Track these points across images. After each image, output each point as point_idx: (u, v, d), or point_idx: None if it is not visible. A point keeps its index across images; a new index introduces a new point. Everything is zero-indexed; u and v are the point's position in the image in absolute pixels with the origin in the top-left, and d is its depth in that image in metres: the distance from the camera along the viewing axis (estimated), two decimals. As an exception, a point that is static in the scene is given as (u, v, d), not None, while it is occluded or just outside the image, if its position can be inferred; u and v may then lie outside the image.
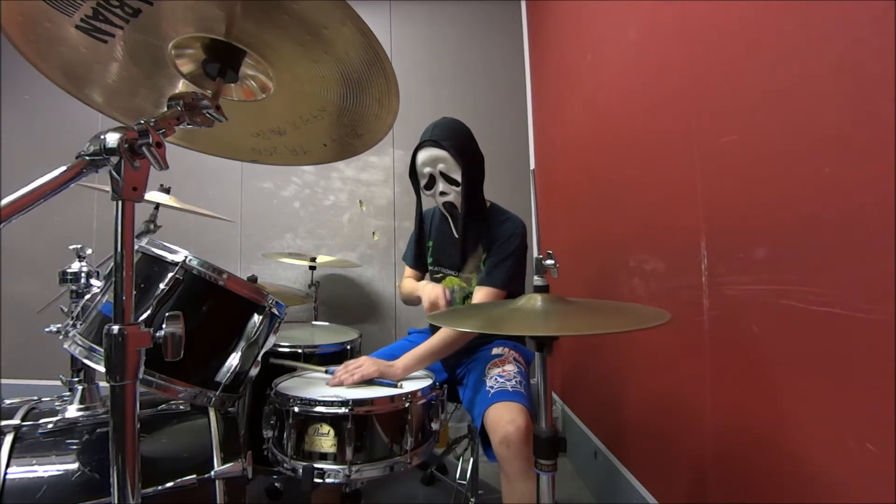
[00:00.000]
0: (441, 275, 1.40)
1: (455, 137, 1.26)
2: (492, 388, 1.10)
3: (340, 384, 1.08)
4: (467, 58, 2.50)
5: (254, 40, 0.65)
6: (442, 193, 1.28)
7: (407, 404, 0.98)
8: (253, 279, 1.09)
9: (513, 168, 2.43)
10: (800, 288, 0.72)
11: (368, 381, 1.10)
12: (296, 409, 0.95)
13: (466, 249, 1.30)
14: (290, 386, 1.08)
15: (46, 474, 0.76)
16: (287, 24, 0.60)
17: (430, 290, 1.23)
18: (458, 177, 1.25)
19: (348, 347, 1.52)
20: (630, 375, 1.38)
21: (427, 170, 1.27)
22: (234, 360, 0.89)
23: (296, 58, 0.67)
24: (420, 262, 1.49)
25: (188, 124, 0.62)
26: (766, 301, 0.79)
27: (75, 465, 0.79)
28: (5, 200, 0.46)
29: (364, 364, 1.11)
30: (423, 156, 1.26)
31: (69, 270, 0.99)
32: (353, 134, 0.82)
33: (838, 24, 0.64)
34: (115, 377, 0.51)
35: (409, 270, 1.54)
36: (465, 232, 1.28)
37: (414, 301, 1.41)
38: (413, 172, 1.32)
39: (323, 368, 1.20)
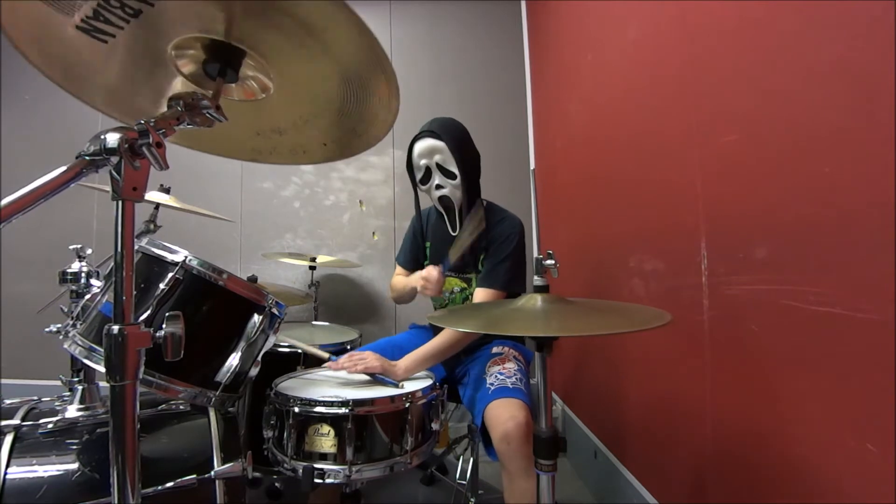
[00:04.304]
0: None
1: (452, 131, 1.25)
2: (492, 385, 1.10)
3: (341, 369, 1.10)
4: (467, 58, 2.50)
5: (254, 41, 0.65)
6: (438, 187, 1.26)
7: (407, 404, 0.98)
8: (253, 279, 1.09)
9: (513, 168, 2.43)
10: (800, 288, 0.72)
11: (369, 378, 1.11)
12: (296, 410, 0.95)
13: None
14: (291, 386, 1.08)
15: (46, 474, 0.76)
16: (287, 24, 0.60)
17: (421, 272, 1.22)
18: (454, 169, 1.24)
19: (348, 347, 1.53)
20: (630, 375, 1.38)
21: (423, 161, 1.25)
22: (234, 360, 0.90)
23: (296, 58, 0.67)
24: (414, 260, 1.45)
25: (188, 124, 0.62)
26: (766, 301, 0.78)
27: (75, 465, 0.78)
28: (5, 200, 0.46)
29: (368, 358, 1.12)
30: (419, 147, 1.25)
31: (69, 270, 0.99)
32: (353, 134, 0.81)
33: (838, 24, 0.64)
34: (115, 377, 0.51)
35: (399, 270, 1.49)
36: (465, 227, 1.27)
37: (406, 296, 1.40)
38: (410, 166, 1.31)
39: (326, 354, 1.20)
